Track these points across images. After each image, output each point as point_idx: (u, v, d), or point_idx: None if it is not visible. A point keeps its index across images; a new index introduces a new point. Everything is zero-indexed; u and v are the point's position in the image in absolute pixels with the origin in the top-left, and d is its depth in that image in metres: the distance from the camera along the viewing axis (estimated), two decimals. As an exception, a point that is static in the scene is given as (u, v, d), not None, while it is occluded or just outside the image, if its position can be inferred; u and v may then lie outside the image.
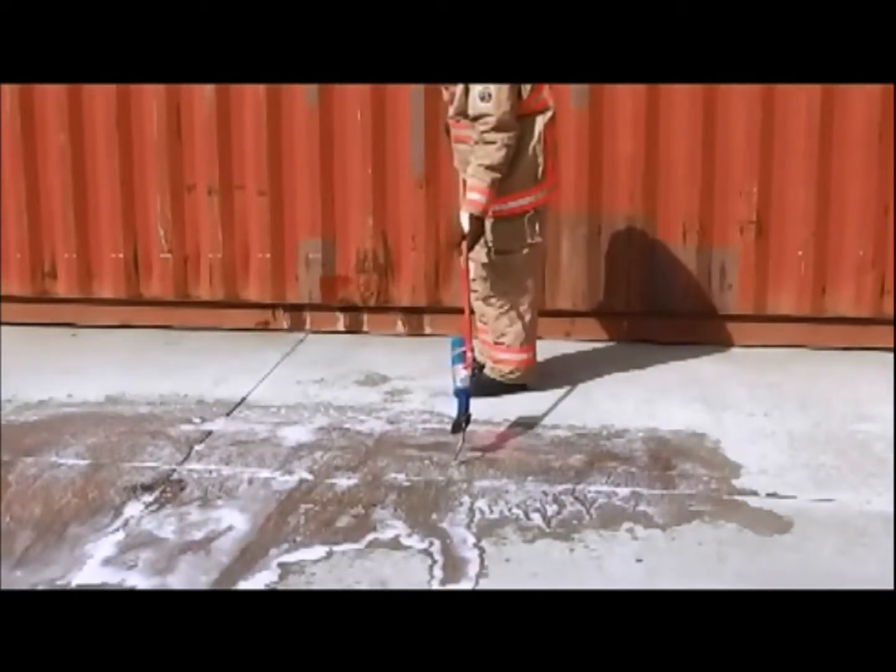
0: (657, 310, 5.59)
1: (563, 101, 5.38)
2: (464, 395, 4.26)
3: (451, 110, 4.61)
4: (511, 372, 4.80)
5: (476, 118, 4.45)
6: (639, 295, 5.59)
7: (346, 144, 5.69)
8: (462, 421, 4.22)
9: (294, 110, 5.70)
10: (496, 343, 4.80)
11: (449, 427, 4.42)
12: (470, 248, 4.57)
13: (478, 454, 4.20)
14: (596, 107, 5.42)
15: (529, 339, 4.80)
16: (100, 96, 5.80)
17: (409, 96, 5.56)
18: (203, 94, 5.72)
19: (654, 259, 5.54)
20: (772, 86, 5.25)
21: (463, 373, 4.27)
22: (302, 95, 5.65)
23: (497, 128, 4.41)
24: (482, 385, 4.76)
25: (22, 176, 5.94)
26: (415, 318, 5.83)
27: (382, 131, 5.65)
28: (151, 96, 5.76)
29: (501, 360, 4.80)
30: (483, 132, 4.44)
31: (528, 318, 4.76)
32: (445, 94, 4.66)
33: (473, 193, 4.50)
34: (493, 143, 4.43)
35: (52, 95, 5.83)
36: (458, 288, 5.54)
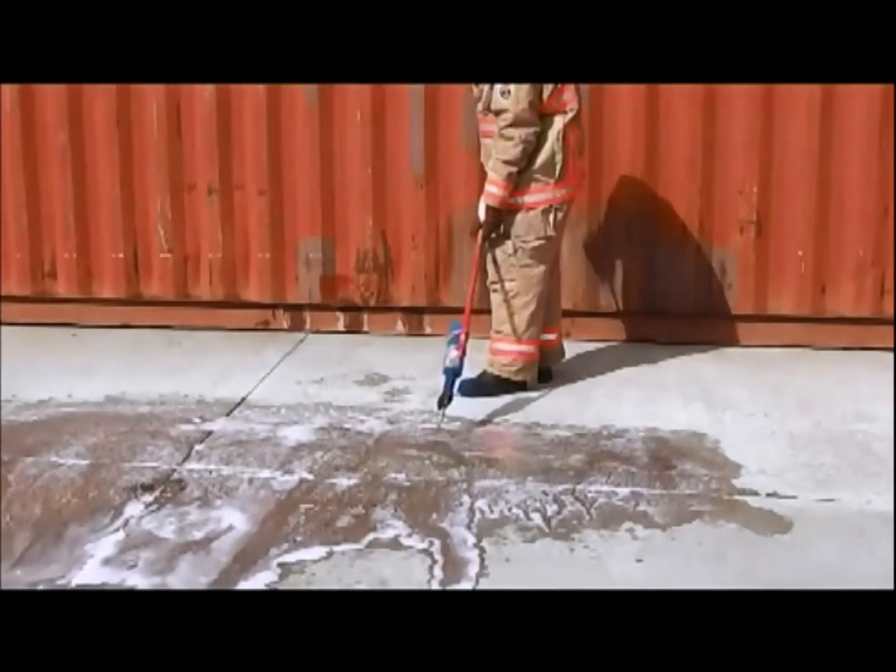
0: (657, 310, 5.59)
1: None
2: (451, 375, 4.48)
3: (479, 105, 4.70)
4: (509, 363, 4.79)
5: (497, 113, 4.57)
6: (639, 295, 5.59)
7: (346, 144, 5.69)
8: (445, 398, 4.44)
9: (294, 110, 5.70)
10: (496, 333, 4.82)
11: (449, 427, 4.45)
12: (485, 239, 4.71)
13: (478, 454, 4.20)
14: (596, 107, 5.42)
15: (531, 333, 4.79)
16: (100, 96, 5.80)
17: (409, 96, 5.56)
18: (203, 94, 5.72)
19: (654, 259, 5.54)
20: (772, 86, 5.26)
21: (454, 353, 4.51)
22: (302, 95, 5.66)
23: (514, 123, 4.53)
24: (481, 384, 4.79)
25: (22, 176, 5.95)
26: (415, 317, 5.83)
27: (382, 131, 5.65)
28: (151, 96, 5.77)
29: (500, 351, 4.81)
30: (502, 128, 4.56)
31: (531, 309, 4.75)
32: (475, 90, 4.74)
33: (491, 186, 4.65)
34: (511, 139, 4.55)
35: (52, 95, 5.83)
36: (459, 283, 5.59)
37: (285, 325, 5.95)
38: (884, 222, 5.34)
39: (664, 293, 5.56)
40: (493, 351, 4.84)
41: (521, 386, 4.83)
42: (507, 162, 4.57)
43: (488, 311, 4.85)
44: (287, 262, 5.85)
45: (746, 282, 5.49)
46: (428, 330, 5.80)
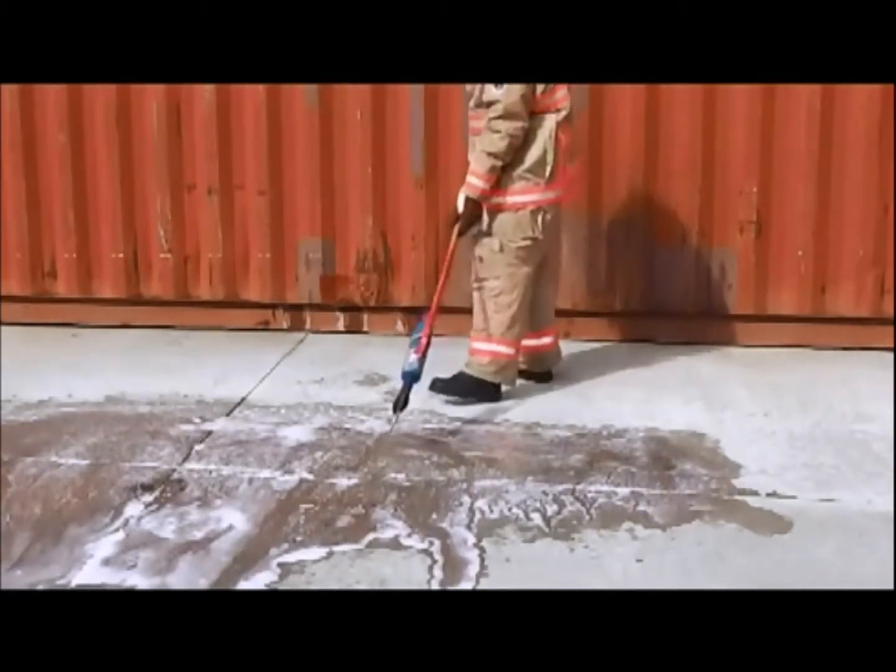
0: (657, 310, 5.59)
1: (563, 100, 5.39)
2: (408, 378, 4.40)
3: (471, 102, 4.64)
4: (488, 364, 4.70)
5: (489, 104, 4.51)
6: (639, 295, 5.59)
7: (346, 144, 5.69)
8: (400, 402, 4.37)
9: (294, 110, 5.70)
10: (476, 332, 4.74)
11: (448, 426, 4.46)
12: (462, 232, 4.65)
13: (478, 454, 4.20)
14: (596, 107, 5.42)
15: (512, 334, 4.69)
16: (100, 96, 5.80)
17: (409, 96, 5.56)
18: (203, 94, 5.72)
19: (654, 259, 5.54)
20: (772, 86, 5.26)
21: (413, 356, 4.42)
22: (302, 95, 5.66)
23: (503, 116, 4.47)
24: (456, 383, 4.73)
25: (22, 176, 5.95)
26: (415, 317, 5.79)
27: (382, 131, 5.65)
28: (151, 96, 5.77)
29: (479, 351, 4.72)
30: (491, 119, 4.50)
31: (513, 310, 4.66)
32: (467, 86, 4.70)
33: (472, 177, 4.58)
34: (497, 131, 4.49)
35: (52, 95, 5.83)
36: (459, 282, 5.59)
37: (285, 325, 5.95)
38: (884, 222, 5.34)
39: (664, 293, 5.56)
40: (472, 350, 4.75)
41: (497, 388, 4.73)
42: (491, 154, 4.49)
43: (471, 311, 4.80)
44: (287, 262, 5.85)
45: (746, 282, 5.49)
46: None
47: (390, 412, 4.44)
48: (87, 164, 5.91)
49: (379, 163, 5.67)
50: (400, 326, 5.85)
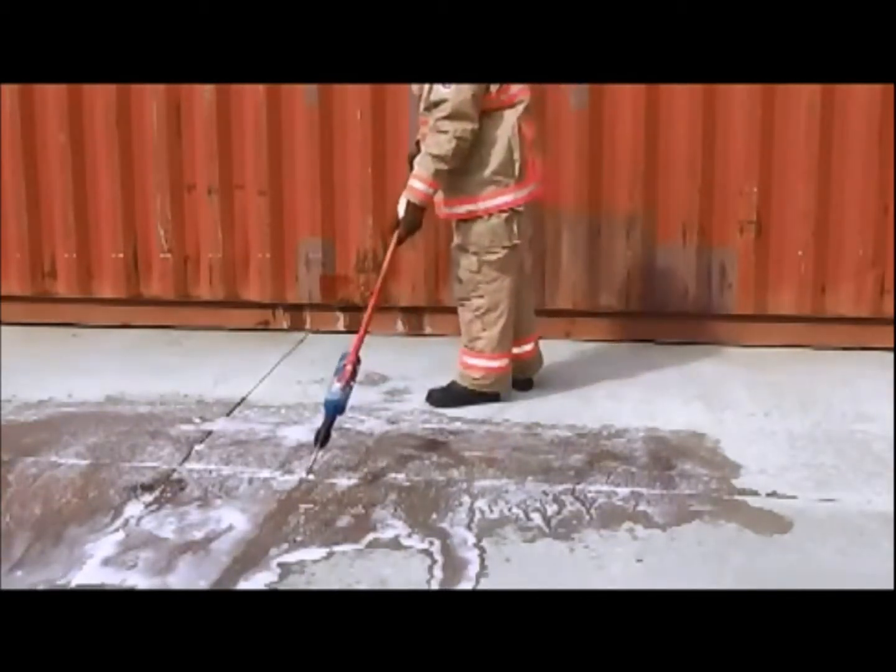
0: (657, 310, 5.59)
1: (564, 101, 5.39)
2: (330, 409, 4.03)
3: (421, 105, 4.46)
4: (481, 378, 4.63)
5: (436, 104, 4.31)
6: (639, 295, 5.59)
7: (346, 144, 5.69)
8: (322, 434, 4.01)
9: (294, 110, 5.70)
10: (467, 347, 4.66)
11: (448, 426, 4.45)
12: (402, 240, 4.48)
13: (478, 454, 4.20)
14: (596, 107, 5.42)
15: (503, 347, 4.61)
16: (100, 96, 5.81)
17: (409, 96, 5.55)
18: (203, 94, 5.72)
19: (654, 259, 5.55)
20: (772, 86, 5.26)
21: (336, 385, 4.06)
22: (302, 95, 5.66)
23: (451, 116, 4.27)
24: (452, 395, 4.69)
25: (22, 176, 5.95)
26: (414, 317, 5.83)
27: (382, 131, 5.65)
28: (151, 96, 5.77)
29: (471, 366, 4.65)
30: (438, 119, 4.29)
31: (501, 324, 4.57)
32: (415, 89, 4.53)
33: (416, 181, 4.38)
34: (445, 132, 4.28)
35: (52, 95, 5.83)
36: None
37: (285, 325, 5.96)
38: (884, 222, 5.34)
39: (664, 293, 5.56)
40: (464, 365, 4.67)
41: (495, 397, 4.70)
42: (436, 157, 4.28)
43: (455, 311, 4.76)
44: (287, 262, 5.85)
45: (746, 282, 5.49)
46: (428, 330, 5.80)
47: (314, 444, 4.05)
48: (87, 164, 5.91)
49: (379, 163, 5.67)
50: (400, 326, 5.85)
